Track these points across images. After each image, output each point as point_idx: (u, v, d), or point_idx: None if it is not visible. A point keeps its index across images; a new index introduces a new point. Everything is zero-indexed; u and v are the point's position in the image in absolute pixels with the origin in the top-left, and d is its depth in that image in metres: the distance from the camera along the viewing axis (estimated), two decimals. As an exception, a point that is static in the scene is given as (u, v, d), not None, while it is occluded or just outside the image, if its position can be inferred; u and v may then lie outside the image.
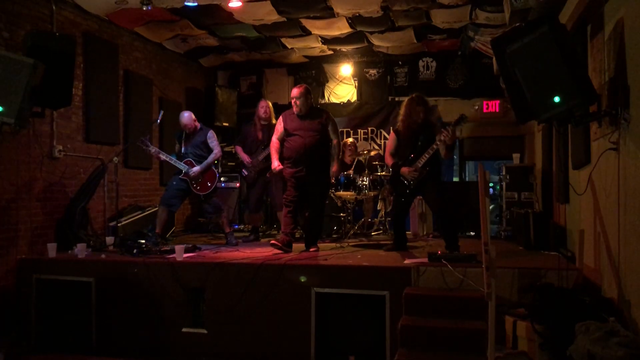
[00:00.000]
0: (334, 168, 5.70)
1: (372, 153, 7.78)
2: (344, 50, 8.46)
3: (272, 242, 5.55)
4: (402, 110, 5.61)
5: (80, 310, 5.18)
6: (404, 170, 5.38)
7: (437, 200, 5.40)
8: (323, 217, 6.00)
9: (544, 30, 3.35)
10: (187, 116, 6.28)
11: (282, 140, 5.73)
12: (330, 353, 4.66)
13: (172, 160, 6.18)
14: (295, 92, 5.60)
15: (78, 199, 6.09)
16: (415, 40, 7.77)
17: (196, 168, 6.14)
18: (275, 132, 5.82)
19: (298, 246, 5.76)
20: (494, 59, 6.40)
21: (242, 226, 8.15)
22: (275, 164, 5.69)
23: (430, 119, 5.62)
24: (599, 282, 4.00)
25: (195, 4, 5.77)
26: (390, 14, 6.61)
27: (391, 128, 5.89)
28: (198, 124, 6.39)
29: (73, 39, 5.31)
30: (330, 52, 8.54)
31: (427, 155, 5.26)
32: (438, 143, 5.20)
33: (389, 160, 5.66)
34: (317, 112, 5.75)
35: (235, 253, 5.59)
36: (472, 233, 6.92)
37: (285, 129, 5.66)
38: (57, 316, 5.26)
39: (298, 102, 5.54)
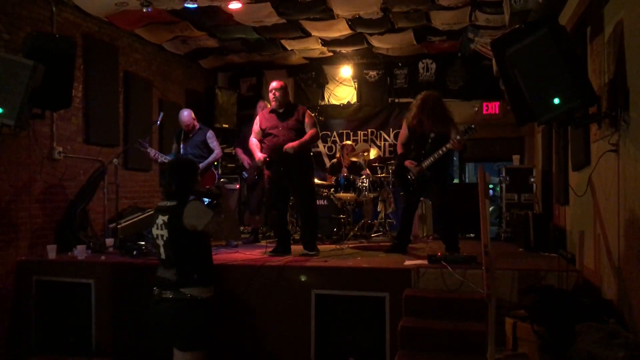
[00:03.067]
0: (294, 143, 5.22)
1: (373, 155, 7.80)
2: (343, 51, 8.46)
3: (269, 251, 5.47)
4: (418, 103, 5.29)
5: (80, 312, 5.18)
6: (408, 163, 5.32)
7: (439, 201, 5.38)
8: (315, 218, 5.63)
9: (543, 31, 3.36)
10: (186, 115, 6.26)
11: (260, 140, 5.51)
12: (330, 354, 4.65)
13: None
14: (275, 84, 5.38)
15: (78, 201, 6.09)
16: (415, 42, 7.78)
17: (196, 169, 6.12)
18: (252, 132, 5.60)
19: (299, 247, 5.74)
20: (493, 60, 6.41)
21: (242, 228, 8.15)
22: (259, 155, 5.40)
23: (446, 118, 5.29)
24: (599, 283, 4.00)
25: (195, 5, 5.77)
26: (390, 16, 6.62)
27: (404, 120, 5.60)
28: (197, 124, 6.37)
29: (73, 41, 5.31)
30: (330, 54, 8.55)
31: (432, 159, 5.22)
32: (444, 149, 5.15)
33: (399, 149, 5.59)
34: (293, 108, 5.47)
35: (235, 254, 5.59)
36: (472, 235, 6.92)
37: (261, 128, 5.46)
38: (57, 318, 5.25)
39: (277, 94, 5.32)
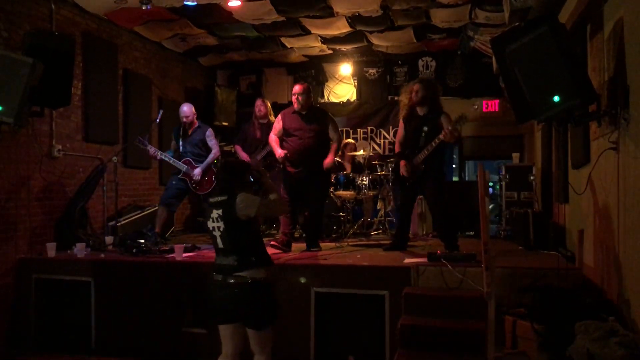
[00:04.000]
0: (328, 159, 5.54)
1: (371, 153, 7.78)
2: (343, 49, 8.45)
3: (272, 243, 5.51)
4: (402, 97, 5.66)
5: (79, 310, 5.17)
6: (402, 163, 5.38)
7: (435, 200, 5.37)
8: (323, 216, 5.98)
9: (543, 29, 3.35)
10: (187, 108, 6.27)
11: (280, 138, 5.68)
12: (329, 353, 4.65)
13: (171, 159, 6.17)
14: (297, 88, 5.57)
15: (77, 199, 6.08)
16: (414, 40, 7.76)
17: (198, 170, 6.13)
18: (273, 129, 5.77)
19: (299, 246, 5.76)
20: (493, 58, 6.40)
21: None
22: (279, 151, 5.58)
23: (435, 102, 5.42)
24: (598, 281, 4.01)
25: (195, 3, 5.76)
26: (389, 14, 6.61)
27: (401, 118, 5.76)
28: (197, 121, 6.38)
29: (72, 39, 5.30)
30: (330, 52, 8.53)
31: (426, 152, 5.22)
32: (436, 141, 5.16)
33: (397, 147, 5.67)
34: (316, 112, 5.70)
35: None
36: (471, 232, 6.91)
37: (284, 128, 5.63)
38: (57, 316, 5.25)
39: (300, 98, 5.50)
